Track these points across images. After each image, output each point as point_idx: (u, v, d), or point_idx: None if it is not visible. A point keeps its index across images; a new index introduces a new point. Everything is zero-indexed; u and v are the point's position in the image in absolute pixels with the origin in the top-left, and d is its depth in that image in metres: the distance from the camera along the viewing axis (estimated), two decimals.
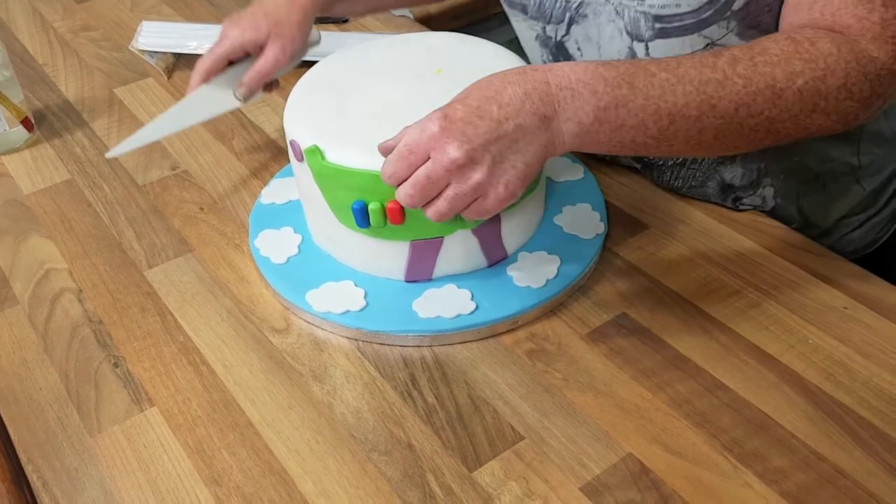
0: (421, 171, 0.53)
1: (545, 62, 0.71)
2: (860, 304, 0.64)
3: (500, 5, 0.74)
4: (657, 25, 0.61)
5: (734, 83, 0.54)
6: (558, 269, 0.65)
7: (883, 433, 0.54)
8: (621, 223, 0.72)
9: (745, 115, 0.54)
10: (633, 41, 0.63)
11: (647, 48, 0.63)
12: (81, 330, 0.65)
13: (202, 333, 0.64)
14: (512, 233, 0.65)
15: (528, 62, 0.69)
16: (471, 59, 0.68)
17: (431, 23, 1.17)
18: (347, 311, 0.63)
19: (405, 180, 0.54)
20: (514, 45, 0.75)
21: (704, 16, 0.59)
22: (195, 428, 0.58)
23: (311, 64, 0.71)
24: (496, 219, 0.63)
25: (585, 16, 0.66)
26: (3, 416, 0.59)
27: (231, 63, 0.74)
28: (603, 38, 0.65)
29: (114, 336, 0.65)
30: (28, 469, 0.56)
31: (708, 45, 0.63)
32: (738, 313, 0.63)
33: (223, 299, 0.67)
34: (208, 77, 0.73)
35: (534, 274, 0.65)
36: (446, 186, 0.53)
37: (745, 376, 0.59)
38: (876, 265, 0.77)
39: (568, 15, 0.66)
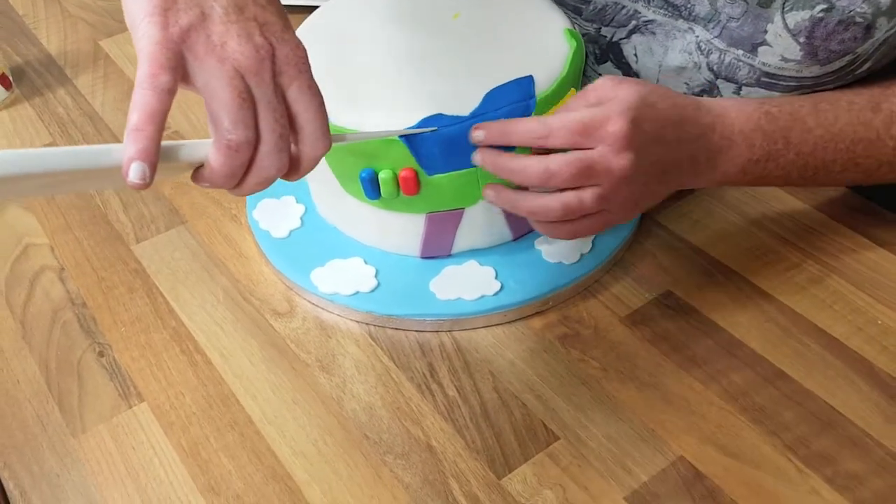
0: (586, 154, 0.48)
1: (588, 55, 0.64)
2: None
3: None
4: (763, 79, 0.55)
5: (885, 144, 0.53)
6: (593, 242, 0.58)
7: None
8: None
9: (887, 171, 0.54)
10: (718, 79, 0.57)
11: (739, 90, 0.57)
12: (63, 314, 0.59)
13: (196, 317, 0.58)
14: None
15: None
16: (492, 1, 0.59)
17: None
18: (357, 292, 0.56)
19: (554, 151, 0.48)
20: None
21: (824, 80, 0.54)
22: (189, 427, 0.51)
23: (312, 9, 0.63)
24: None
25: (654, 33, 0.59)
26: None
27: None
28: (669, 60, 0.59)
29: (99, 321, 0.58)
30: (4, 475, 0.50)
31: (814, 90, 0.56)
32: (798, 290, 0.56)
33: (219, 278, 0.61)
34: None
35: (566, 248, 0.57)
36: (587, 187, 0.48)
37: (809, 363, 0.52)
38: None
39: (633, 23, 0.59)
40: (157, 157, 0.37)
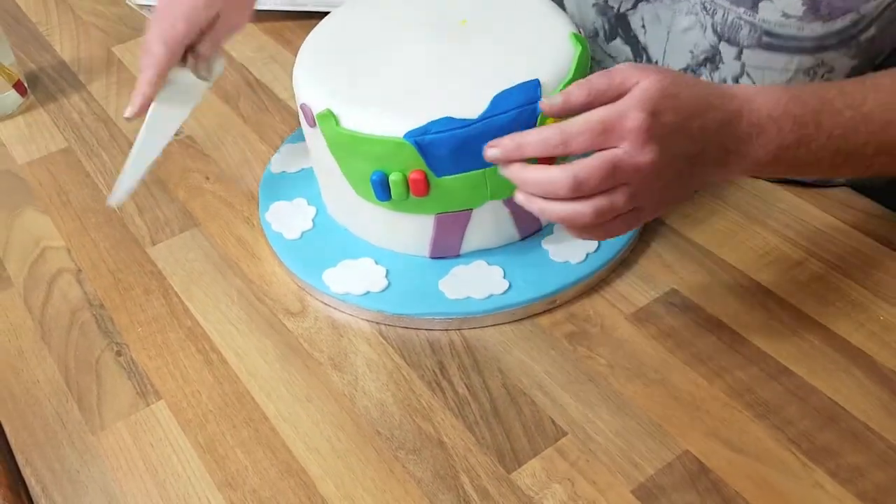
0: (611, 154, 0.45)
1: (598, 30, 0.64)
2: None
3: None
4: (765, 39, 0.54)
5: None
6: (599, 242, 0.59)
7: None
8: None
9: None
10: (721, 42, 0.56)
11: (740, 54, 0.56)
12: (81, 314, 0.60)
13: (211, 317, 0.59)
14: None
15: (565, 10, 0.62)
16: (499, 7, 0.60)
17: None
18: (368, 292, 0.57)
19: (573, 153, 0.46)
20: None
21: (826, 42, 0.53)
22: (206, 424, 0.53)
23: (323, 15, 0.64)
24: None
25: None
26: None
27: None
28: (676, 25, 0.59)
29: (116, 321, 0.60)
30: (26, 472, 0.51)
31: (818, 65, 0.56)
32: (801, 287, 0.57)
33: (233, 279, 0.62)
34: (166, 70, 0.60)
35: (572, 247, 0.59)
36: (617, 188, 0.46)
37: (812, 359, 0.53)
38: None
39: None
40: None
